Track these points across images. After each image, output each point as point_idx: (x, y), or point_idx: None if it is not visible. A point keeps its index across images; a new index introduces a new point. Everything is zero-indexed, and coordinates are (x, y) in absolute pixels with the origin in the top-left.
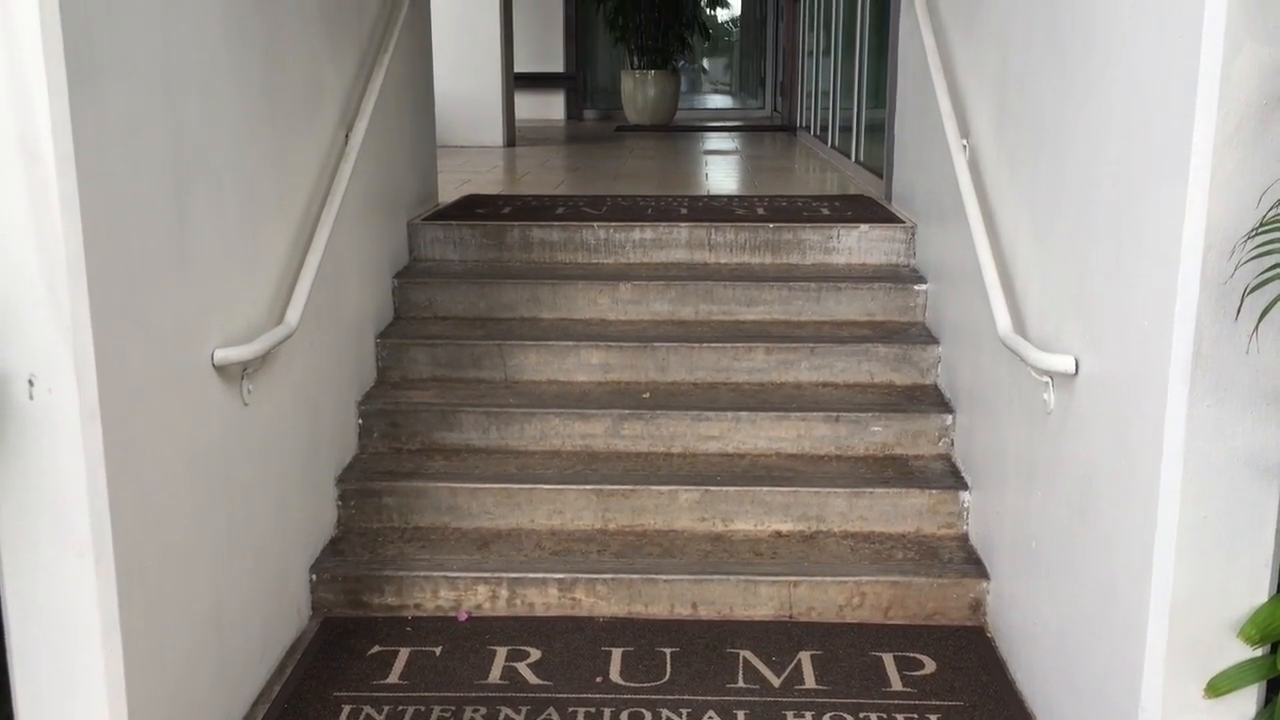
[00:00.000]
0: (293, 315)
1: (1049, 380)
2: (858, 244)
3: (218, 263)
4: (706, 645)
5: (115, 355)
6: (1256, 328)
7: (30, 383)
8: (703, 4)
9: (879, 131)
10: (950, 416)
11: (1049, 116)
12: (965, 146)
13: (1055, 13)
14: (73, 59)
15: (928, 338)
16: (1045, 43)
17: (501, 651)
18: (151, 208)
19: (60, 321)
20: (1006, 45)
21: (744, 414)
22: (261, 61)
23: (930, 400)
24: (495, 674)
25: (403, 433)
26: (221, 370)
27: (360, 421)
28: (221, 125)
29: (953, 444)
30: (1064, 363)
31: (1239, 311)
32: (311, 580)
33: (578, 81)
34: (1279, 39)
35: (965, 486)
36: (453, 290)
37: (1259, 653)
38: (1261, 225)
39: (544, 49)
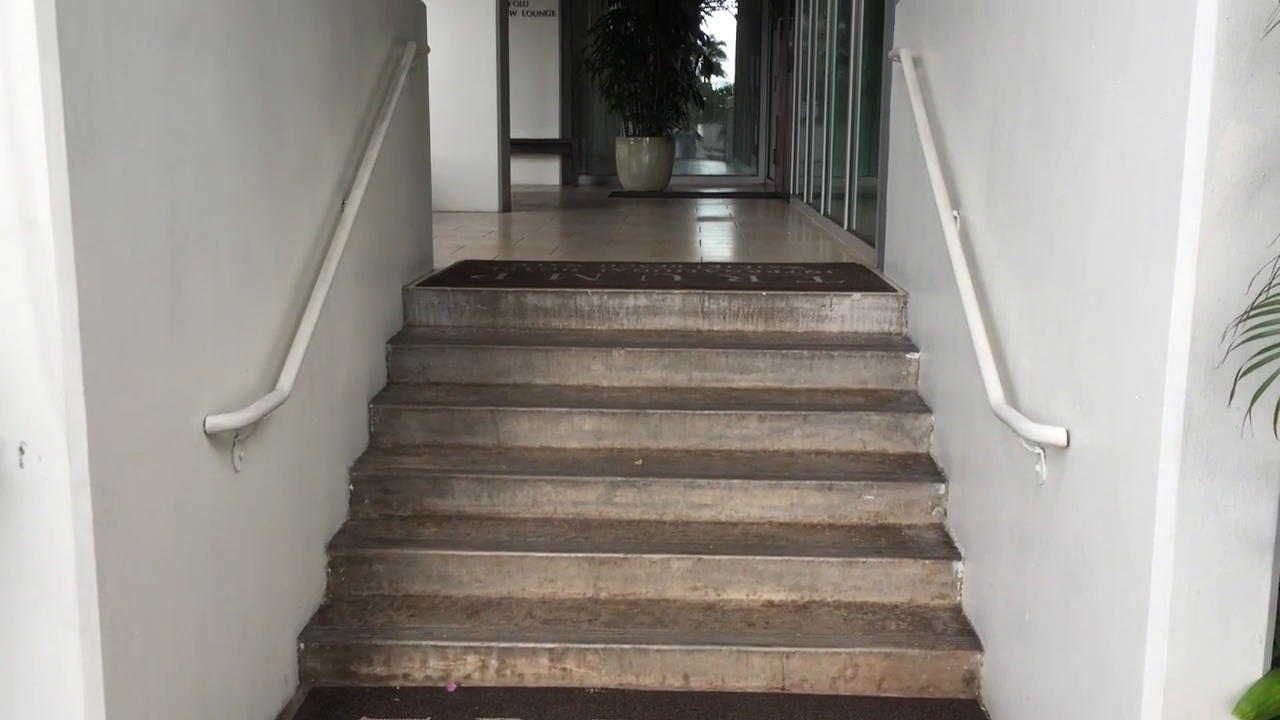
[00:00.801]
0: (285, 382)
1: (1041, 451)
2: (850, 312)
3: (212, 330)
4: (698, 718)
5: (107, 423)
6: (1249, 410)
7: (21, 451)
8: (697, 73)
9: (871, 199)
10: (943, 485)
11: (1038, 189)
12: (956, 217)
13: (1041, 88)
14: (73, 130)
15: (920, 406)
16: (1032, 118)
17: None
18: (147, 276)
19: (53, 389)
20: (995, 118)
21: (736, 482)
22: (260, 132)
23: (923, 469)
24: None
25: (394, 499)
26: (213, 437)
27: (351, 487)
28: (219, 195)
29: (946, 513)
30: (1055, 434)
31: (1232, 395)
32: (300, 649)
33: (573, 147)
34: (1263, 119)
35: (959, 557)
36: (446, 356)
37: None
38: (1252, 309)
39: (540, 115)
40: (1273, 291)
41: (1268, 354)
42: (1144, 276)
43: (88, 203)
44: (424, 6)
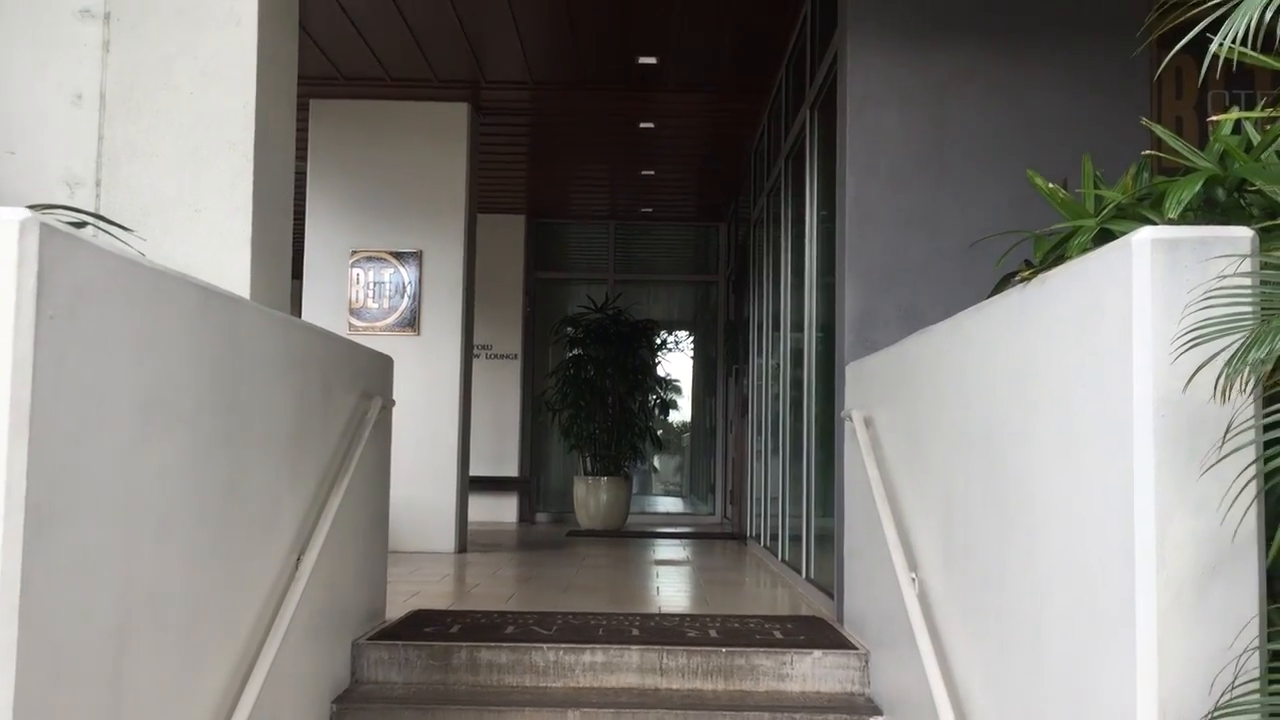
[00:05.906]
0: None
1: None
2: (811, 670)
3: (151, 706)
4: None
5: None
6: None
7: None
8: (655, 413)
9: (829, 544)
10: None
11: (994, 560)
12: (915, 580)
13: (991, 462)
14: (32, 508)
15: None
16: (985, 491)
17: None
18: (89, 656)
19: None
20: (949, 487)
21: None
22: (221, 493)
23: None
24: None
25: None
26: None
27: None
28: (173, 560)
29: None
30: None
31: None
32: None
33: (530, 485)
34: (1208, 510)
35: None
36: (394, 717)
37: None
38: (1215, 712)
39: (499, 454)
40: (1236, 691)
41: None
42: (1105, 660)
43: (37, 582)
44: (391, 361)
